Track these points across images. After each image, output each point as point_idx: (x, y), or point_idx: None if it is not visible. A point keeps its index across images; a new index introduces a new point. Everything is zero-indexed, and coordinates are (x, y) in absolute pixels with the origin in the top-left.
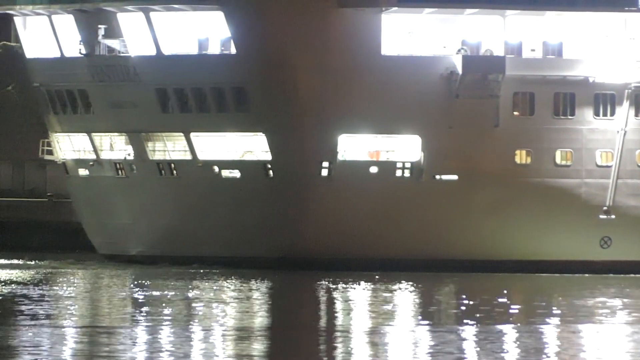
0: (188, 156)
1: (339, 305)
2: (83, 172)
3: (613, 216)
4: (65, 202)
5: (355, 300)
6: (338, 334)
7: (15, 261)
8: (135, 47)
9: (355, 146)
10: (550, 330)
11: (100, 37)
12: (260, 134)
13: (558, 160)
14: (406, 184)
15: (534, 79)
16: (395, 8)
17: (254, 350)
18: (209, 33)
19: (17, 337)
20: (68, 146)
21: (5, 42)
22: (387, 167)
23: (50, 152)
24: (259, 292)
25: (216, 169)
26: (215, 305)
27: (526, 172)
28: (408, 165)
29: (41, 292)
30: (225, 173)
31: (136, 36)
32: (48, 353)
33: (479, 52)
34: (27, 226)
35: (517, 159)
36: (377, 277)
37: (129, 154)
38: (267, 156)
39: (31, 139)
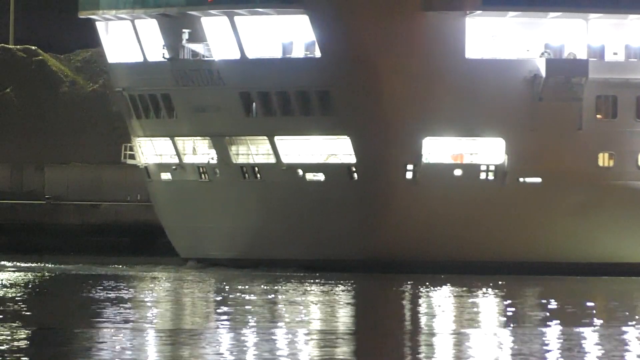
0: (272, 159)
1: (422, 308)
2: (165, 176)
3: None
4: (64, 204)
5: (438, 303)
6: (422, 336)
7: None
8: (219, 51)
9: (439, 149)
10: (634, 334)
11: (184, 42)
12: (345, 137)
13: None
14: (490, 187)
15: (617, 82)
16: (479, 11)
17: (338, 353)
18: (292, 36)
19: (100, 340)
20: (150, 151)
21: (3, 45)
22: (471, 169)
23: (132, 157)
24: (342, 295)
25: (300, 172)
26: (298, 308)
27: (609, 174)
28: (492, 168)
29: (124, 295)
30: (309, 176)
31: (220, 40)
32: (132, 356)
33: (562, 56)
34: (26, 228)
35: (600, 162)
36: (461, 280)
37: (212, 158)
38: (351, 159)
39: (31, 141)
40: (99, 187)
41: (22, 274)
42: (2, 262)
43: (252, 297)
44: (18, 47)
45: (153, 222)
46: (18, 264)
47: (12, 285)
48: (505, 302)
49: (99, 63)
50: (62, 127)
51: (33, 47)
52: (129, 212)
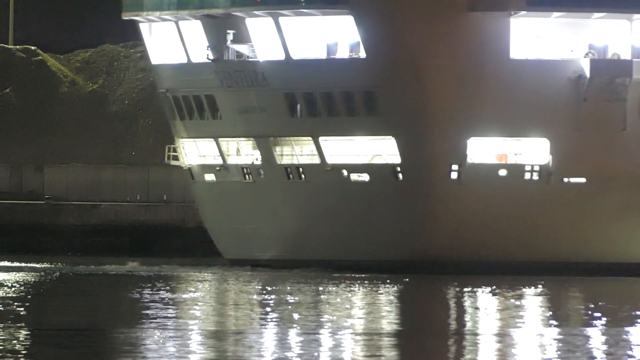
0: (316, 160)
1: (467, 309)
2: (209, 177)
3: None
4: (63, 204)
5: (483, 304)
6: (467, 337)
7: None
8: (264, 52)
9: (483, 149)
10: None
11: (228, 42)
12: (390, 137)
13: None
14: (534, 187)
15: None
16: (524, 12)
17: (383, 354)
18: (337, 37)
19: (144, 340)
20: (194, 152)
21: (3, 45)
22: (516, 170)
23: (175, 158)
24: (387, 295)
25: (345, 172)
26: (343, 309)
27: None
28: (536, 168)
29: (168, 296)
30: (354, 177)
31: (264, 41)
32: (175, 357)
33: (606, 56)
34: (25, 229)
35: None
36: (505, 281)
37: (256, 159)
38: (396, 159)
39: (31, 141)
40: (98, 187)
41: (23, 274)
42: (2, 263)
43: (297, 298)
44: (18, 47)
45: (153, 222)
46: (18, 264)
47: (11, 285)
48: (549, 303)
49: (99, 63)
50: (61, 127)
51: (33, 47)
52: (128, 213)
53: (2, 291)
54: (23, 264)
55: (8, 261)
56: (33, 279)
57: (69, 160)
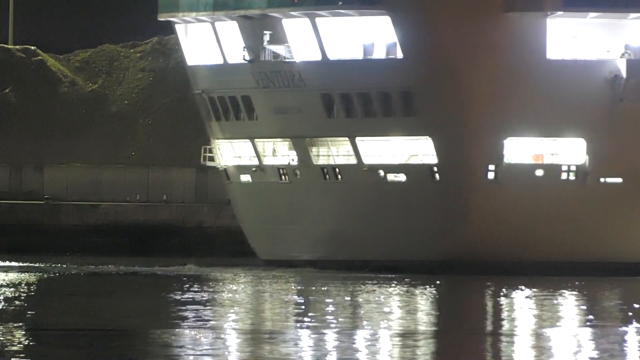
0: (353, 160)
1: (503, 309)
2: (245, 178)
3: None
4: (63, 204)
5: (519, 303)
6: (503, 337)
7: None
8: (300, 53)
9: (519, 149)
10: None
11: (265, 43)
12: (426, 137)
13: None
14: (571, 187)
15: None
16: (560, 12)
17: (420, 353)
18: (374, 37)
19: (181, 340)
20: (230, 152)
21: (2, 45)
22: (553, 170)
23: (211, 159)
24: (423, 295)
25: (381, 173)
26: (380, 309)
27: None
28: (573, 168)
29: (205, 296)
30: (391, 177)
31: (301, 41)
32: (211, 356)
33: None
34: (25, 229)
35: None
36: (542, 281)
37: (292, 159)
38: (433, 160)
39: (30, 141)
40: (98, 187)
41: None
42: (2, 263)
43: (333, 298)
44: (17, 47)
45: (152, 222)
46: (18, 264)
47: (11, 285)
48: (586, 303)
49: (98, 63)
50: (61, 127)
51: (32, 47)
52: (128, 213)
53: (2, 291)
54: (23, 264)
55: (8, 261)
56: (33, 279)
57: (68, 160)
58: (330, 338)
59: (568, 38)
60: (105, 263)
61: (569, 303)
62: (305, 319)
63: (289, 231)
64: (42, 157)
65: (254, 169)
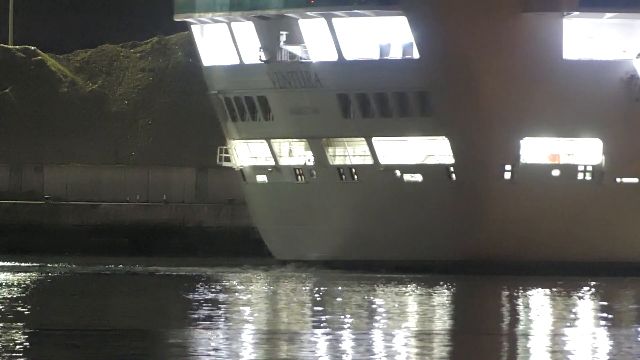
0: (369, 161)
1: (519, 309)
2: (261, 178)
3: None
4: (63, 204)
5: (535, 304)
6: (519, 337)
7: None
8: (317, 53)
9: (535, 149)
10: None
11: (281, 44)
12: (443, 137)
13: None
14: (587, 187)
15: None
16: (577, 12)
17: (436, 353)
18: (390, 38)
19: (196, 340)
20: (245, 153)
21: (2, 45)
22: (569, 170)
23: (227, 159)
24: (440, 295)
25: (398, 173)
26: (396, 310)
27: None
28: (589, 168)
29: (221, 296)
30: (407, 177)
31: (317, 42)
32: (227, 357)
33: None
34: (25, 229)
35: None
36: (558, 281)
37: (308, 160)
38: (449, 160)
39: (30, 141)
40: (98, 187)
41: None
42: (2, 263)
43: (349, 299)
44: (17, 47)
45: (152, 222)
46: (17, 264)
47: (11, 285)
48: (602, 303)
49: (98, 63)
50: (61, 127)
51: (32, 48)
52: (128, 213)
53: (2, 291)
54: (23, 264)
55: (8, 261)
56: (33, 279)
57: (68, 160)
58: (346, 338)
59: (584, 38)
60: (105, 263)
61: (585, 303)
62: (321, 319)
63: (305, 231)
64: (42, 157)
65: (270, 169)
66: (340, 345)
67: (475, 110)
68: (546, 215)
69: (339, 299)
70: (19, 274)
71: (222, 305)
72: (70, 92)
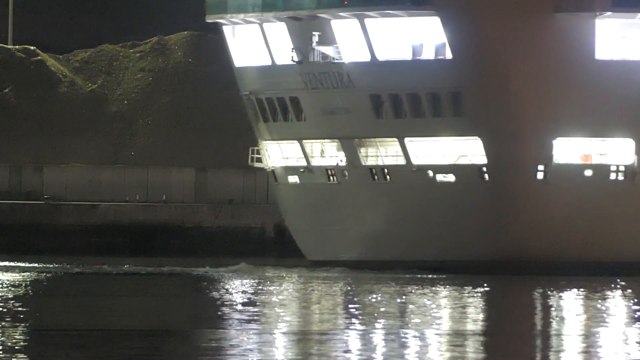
0: (401, 161)
1: (552, 309)
2: (292, 179)
3: None
4: (62, 204)
5: (568, 304)
6: (552, 338)
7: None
8: (349, 54)
9: (568, 149)
10: None
11: (313, 44)
12: (476, 138)
13: None
14: (620, 187)
15: None
16: (609, 13)
17: (468, 355)
18: (423, 38)
19: (228, 340)
20: (277, 154)
21: (2, 45)
22: (601, 170)
23: (259, 160)
24: (472, 296)
25: (430, 173)
26: (428, 310)
27: None
28: (622, 168)
29: (252, 297)
30: (440, 177)
31: (350, 42)
32: (258, 357)
33: None
34: (25, 229)
35: None
36: (590, 281)
37: (341, 160)
38: (482, 160)
39: (30, 141)
40: (97, 187)
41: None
42: (2, 263)
43: (382, 299)
44: (17, 47)
45: (152, 222)
46: (17, 264)
47: (12, 285)
48: (635, 303)
49: (98, 63)
50: (60, 127)
51: (32, 47)
52: (127, 213)
53: (2, 291)
54: (23, 264)
55: (8, 261)
56: (33, 279)
57: (68, 160)
58: (378, 338)
59: (617, 38)
60: (106, 263)
61: (618, 303)
62: (352, 319)
63: (337, 232)
64: (42, 157)
65: (302, 170)
66: (371, 345)
67: (507, 111)
68: (578, 215)
69: (371, 299)
70: (19, 274)
71: (251, 306)
72: (69, 92)
